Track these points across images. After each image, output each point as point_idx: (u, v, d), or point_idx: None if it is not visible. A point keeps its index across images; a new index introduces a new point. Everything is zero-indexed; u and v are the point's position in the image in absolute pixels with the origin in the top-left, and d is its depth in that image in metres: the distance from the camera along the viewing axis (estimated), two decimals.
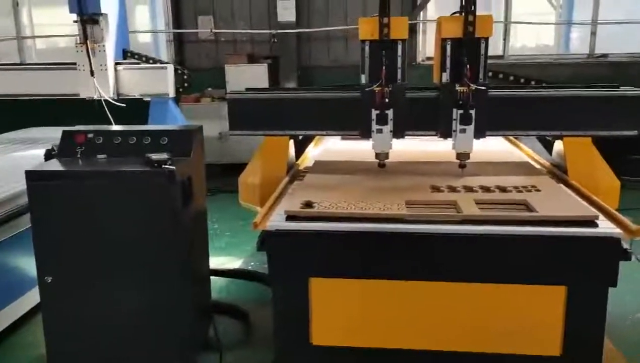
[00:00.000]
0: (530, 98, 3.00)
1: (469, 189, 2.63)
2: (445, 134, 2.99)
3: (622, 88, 2.98)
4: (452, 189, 2.64)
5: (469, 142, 2.93)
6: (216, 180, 6.39)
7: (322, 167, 3.14)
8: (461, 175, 2.96)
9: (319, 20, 7.75)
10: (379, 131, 2.96)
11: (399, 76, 2.85)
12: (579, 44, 8.14)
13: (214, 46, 8.08)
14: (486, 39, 2.87)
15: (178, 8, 8.05)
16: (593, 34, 7.50)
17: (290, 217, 2.29)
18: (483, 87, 2.86)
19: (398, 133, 3.01)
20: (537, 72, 7.35)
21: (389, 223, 2.23)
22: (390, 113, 2.85)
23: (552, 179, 2.86)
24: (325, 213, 2.29)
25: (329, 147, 3.92)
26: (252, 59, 7.69)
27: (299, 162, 3.38)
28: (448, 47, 2.82)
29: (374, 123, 2.95)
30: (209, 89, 7.68)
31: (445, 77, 2.93)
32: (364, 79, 2.99)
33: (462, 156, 3.00)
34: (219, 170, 6.99)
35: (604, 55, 7.49)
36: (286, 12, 7.46)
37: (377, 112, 2.93)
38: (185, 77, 5.47)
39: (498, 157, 3.32)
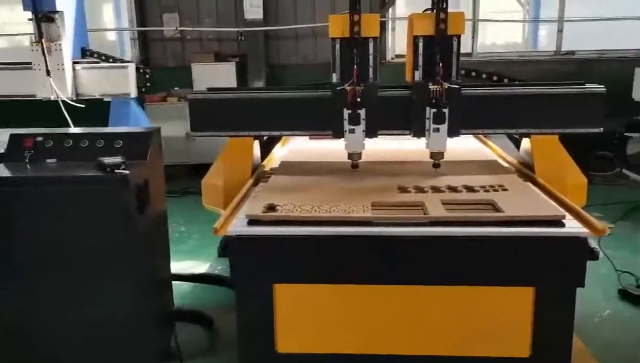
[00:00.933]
0: (501, 96, 3.00)
1: (437, 190, 2.57)
2: (419, 133, 2.97)
3: (587, 85, 3.00)
4: (420, 190, 2.57)
5: (443, 141, 2.91)
6: (184, 181, 6.27)
7: (288, 168, 3.08)
8: (430, 175, 2.93)
9: (287, 18, 7.68)
10: (352, 131, 2.91)
11: (371, 75, 2.82)
12: (546, 42, 8.30)
13: (180, 44, 7.93)
14: (458, 37, 2.86)
15: (142, 5, 7.87)
16: (560, 31, 7.63)
17: (253, 222, 2.22)
18: (456, 86, 2.84)
19: (371, 133, 2.96)
20: (505, 69, 7.45)
21: (354, 226, 2.18)
22: (362, 112, 2.81)
23: (520, 178, 2.85)
24: (288, 217, 2.23)
25: (295, 147, 3.85)
26: (220, 58, 7.57)
27: (264, 163, 3.32)
28: (420, 45, 2.80)
29: (346, 123, 2.90)
30: (176, 88, 7.53)
31: (418, 75, 2.89)
32: (335, 77, 2.94)
33: (436, 155, 2.98)
34: (186, 171, 6.86)
35: (571, 53, 7.63)
36: (253, 9, 7.36)
37: (349, 111, 2.88)
38: (147, 76, 5.34)
39: (467, 156, 3.30)
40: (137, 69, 4.97)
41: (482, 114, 2.93)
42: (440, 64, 2.71)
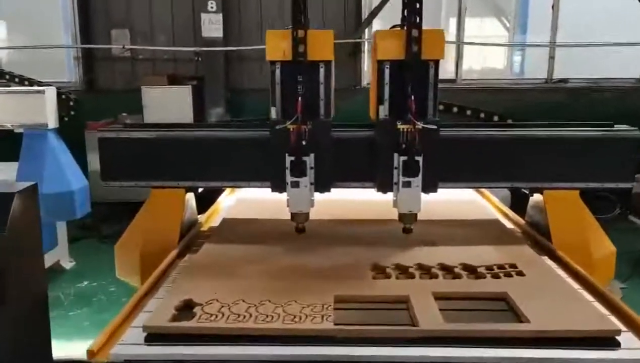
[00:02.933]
0: (499, 139, 2.45)
1: (426, 270, 2.10)
2: (384, 187, 2.32)
3: (616, 127, 2.38)
4: (402, 270, 2.09)
5: (416, 199, 2.26)
6: (123, 222, 5.55)
7: (229, 228, 2.61)
8: (415, 244, 2.35)
9: (251, 37, 7.06)
10: (295, 184, 2.25)
11: (322, 110, 2.27)
12: (532, 69, 7.84)
13: (129, 64, 7.25)
14: (436, 63, 2.24)
15: (88, 19, 7.20)
16: (551, 58, 7.15)
17: (153, 337, 1.58)
18: (433, 126, 2.21)
19: (321, 186, 2.33)
20: (491, 97, 6.91)
21: (308, 344, 1.59)
22: (310, 160, 2.25)
23: (532, 249, 2.38)
24: (206, 329, 1.63)
25: (246, 195, 3.22)
26: (175, 80, 6.91)
27: (204, 217, 2.85)
28: (386, 72, 2.23)
29: (288, 173, 2.24)
30: (124, 114, 6.82)
31: (384, 111, 2.27)
32: (274, 113, 2.30)
33: (407, 218, 2.32)
34: (127, 210, 6.11)
35: (564, 80, 7.14)
36: (212, 27, 6.75)
37: (292, 158, 2.22)
38: (71, 103, 4.62)
39: (458, 212, 2.82)
40: (59, 94, 4.24)
41: (471, 163, 2.43)
42: (413, 97, 2.09)
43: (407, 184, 2.24)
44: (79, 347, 1.82)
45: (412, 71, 2.16)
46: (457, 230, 2.57)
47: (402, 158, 2.22)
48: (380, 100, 2.29)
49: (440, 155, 2.27)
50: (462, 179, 2.47)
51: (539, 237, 2.48)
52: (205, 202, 3.18)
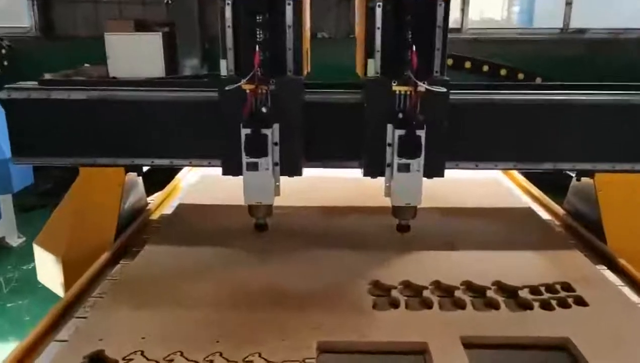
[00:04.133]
0: (535, 105, 1.91)
1: (447, 292, 1.59)
2: (373, 170, 1.76)
3: None
4: (415, 292, 1.59)
5: (415, 187, 1.72)
6: None
7: (183, 219, 2.14)
8: (429, 248, 1.85)
9: None
10: (252, 167, 1.69)
11: (291, 64, 1.75)
12: (541, 20, 7.14)
13: (92, 8, 6.52)
14: (447, 2, 1.67)
15: None
16: (568, 4, 6.46)
17: None
18: (441, 88, 1.63)
19: (290, 168, 1.79)
20: (501, 49, 6.25)
21: None
22: (273, 132, 1.73)
23: (584, 255, 1.86)
24: None
25: (210, 170, 2.63)
26: (143, 26, 6.22)
27: (157, 200, 2.39)
28: (378, 13, 1.70)
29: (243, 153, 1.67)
30: (86, 65, 6.15)
31: (374, 67, 1.71)
32: (224, 68, 1.71)
33: (403, 212, 1.78)
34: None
35: (581, 31, 6.46)
36: None
37: (248, 131, 1.64)
38: (3, 51, 3.95)
39: (477, 193, 2.38)
40: None
41: (495, 138, 1.92)
42: (414, 48, 1.54)
43: (405, 168, 1.69)
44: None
45: (414, 12, 1.64)
46: (480, 223, 2.05)
47: (398, 132, 1.66)
48: (369, 52, 1.71)
49: (451, 128, 1.70)
50: (483, 158, 1.92)
51: (587, 234, 2.03)
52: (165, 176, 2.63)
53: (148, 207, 2.29)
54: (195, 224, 2.06)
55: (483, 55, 6.01)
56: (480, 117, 1.87)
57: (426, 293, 1.56)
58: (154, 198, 2.42)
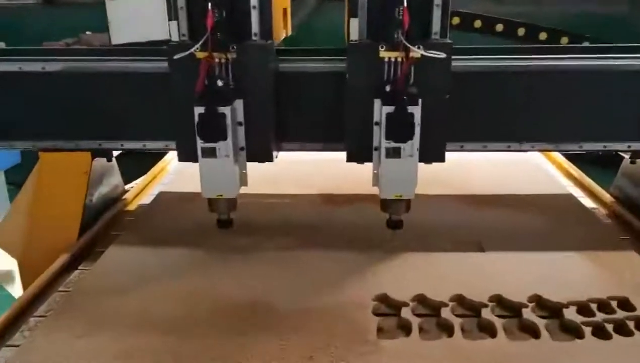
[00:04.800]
0: (575, 71, 1.58)
1: (472, 310, 1.30)
2: (358, 155, 1.47)
3: None
4: (432, 310, 1.31)
5: (408, 176, 1.42)
6: None
7: (161, 211, 1.90)
8: (444, 245, 1.57)
9: None
10: (208, 153, 1.40)
11: (257, 26, 1.45)
12: None
13: None
14: None
15: None
16: None
17: None
18: (439, 53, 1.33)
19: (259, 152, 1.52)
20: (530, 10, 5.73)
21: None
22: (235, 111, 1.45)
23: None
24: None
25: None
26: None
27: (139, 186, 2.16)
28: None
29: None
30: (88, 33, 5.86)
31: (357, 29, 1.40)
32: (175, 32, 1.43)
33: (393, 207, 1.48)
34: None
35: None
36: None
37: (202, 110, 1.36)
38: None
39: (506, 175, 2.10)
40: None
41: (514, 114, 1.61)
42: (405, 3, 1.28)
43: (394, 153, 1.38)
44: None
45: None
46: (512, 216, 1.76)
47: (387, 109, 1.35)
48: (352, 11, 1.39)
49: (453, 102, 1.39)
50: (494, 137, 1.59)
51: (634, 220, 1.74)
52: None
53: (125, 197, 2.04)
54: (174, 217, 1.81)
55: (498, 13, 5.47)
56: (496, 87, 1.55)
57: (445, 312, 1.27)
58: (135, 185, 2.18)
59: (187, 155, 1.48)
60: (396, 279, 1.40)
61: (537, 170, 2.18)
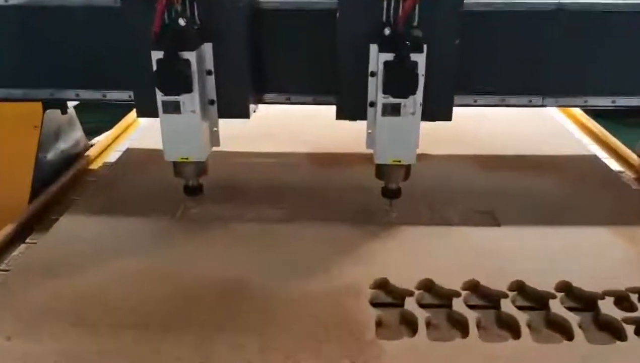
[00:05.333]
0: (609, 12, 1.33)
1: (489, 300, 1.10)
2: (348, 110, 1.25)
3: None
4: (442, 299, 1.11)
5: (409, 138, 1.20)
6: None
7: (127, 171, 1.69)
8: (451, 218, 1.37)
9: None
10: (170, 108, 1.18)
11: None
12: None
13: None
14: None
15: None
16: None
17: None
18: None
19: (232, 107, 1.29)
20: None
21: None
22: (202, 56, 1.22)
23: None
24: None
25: None
26: None
27: (103, 143, 1.95)
28: None
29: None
30: None
31: None
32: None
33: (389, 173, 1.27)
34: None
35: None
36: None
37: (161, 54, 1.11)
38: None
39: (522, 133, 1.86)
40: None
41: (535, 62, 1.36)
42: None
43: (393, 110, 1.16)
44: None
45: None
46: (529, 179, 1.54)
47: (385, 56, 1.11)
48: None
49: (465, 48, 1.17)
50: (520, 90, 1.37)
51: None
52: None
53: (88, 153, 1.82)
54: (142, 179, 1.58)
55: None
56: (519, 29, 1.31)
57: (457, 303, 1.06)
58: (101, 139, 1.96)
59: (146, 109, 1.25)
60: (398, 260, 1.20)
61: (557, 128, 1.96)
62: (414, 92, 1.13)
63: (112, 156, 1.83)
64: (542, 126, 1.93)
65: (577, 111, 2.09)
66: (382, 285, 1.12)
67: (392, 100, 1.15)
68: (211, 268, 1.18)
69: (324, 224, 1.33)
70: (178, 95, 1.16)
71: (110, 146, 1.92)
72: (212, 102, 1.24)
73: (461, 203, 1.40)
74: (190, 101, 1.18)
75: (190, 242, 1.28)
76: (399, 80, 1.12)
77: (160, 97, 1.17)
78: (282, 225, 1.33)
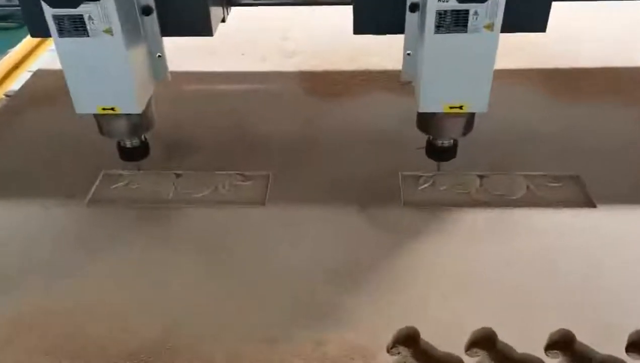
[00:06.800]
0: None
1: None
2: (372, 21, 0.77)
3: None
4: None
5: (481, 70, 0.73)
6: None
7: (35, 102, 1.20)
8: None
9: None
10: (70, 26, 0.72)
11: None
12: None
13: None
14: None
15: None
16: None
17: None
18: None
19: (180, 19, 0.79)
20: None
21: None
22: None
23: None
24: None
25: None
26: None
27: (5, 64, 1.46)
28: None
29: None
30: None
31: None
32: None
33: (441, 126, 0.83)
34: None
35: None
36: None
37: None
38: None
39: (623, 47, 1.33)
40: None
41: None
42: None
43: (457, 19, 0.66)
44: None
45: None
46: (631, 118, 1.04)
47: None
48: None
49: None
50: None
51: None
52: None
53: None
54: (54, 116, 1.12)
55: None
56: None
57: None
58: (6, 60, 1.45)
59: (39, 28, 0.76)
60: (435, 284, 0.73)
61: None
62: None
63: (16, 83, 1.33)
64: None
65: None
66: (408, 340, 0.68)
67: (454, 3, 0.65)
68: (142, 301, 0.74)
69: (315, 204, 0.86)
70: (75, 6, 0.67)
71: (16, 71, 1.40)
72: (146, 11, 0.75)
73: (533, 161, 0.91)
74: (101, 14, 0.69)
75: (107, 242, 0.81)
76: None
77: (48, 10, 0.68)
78: (248, 210, 0.86)
